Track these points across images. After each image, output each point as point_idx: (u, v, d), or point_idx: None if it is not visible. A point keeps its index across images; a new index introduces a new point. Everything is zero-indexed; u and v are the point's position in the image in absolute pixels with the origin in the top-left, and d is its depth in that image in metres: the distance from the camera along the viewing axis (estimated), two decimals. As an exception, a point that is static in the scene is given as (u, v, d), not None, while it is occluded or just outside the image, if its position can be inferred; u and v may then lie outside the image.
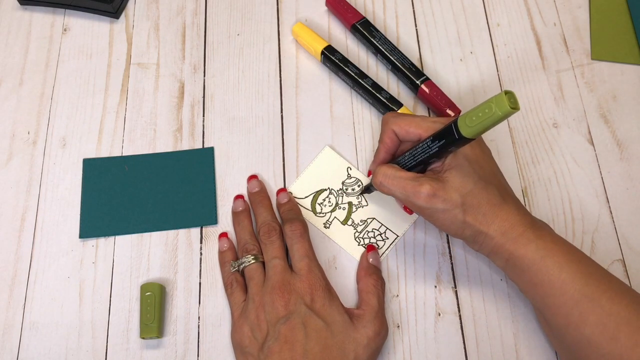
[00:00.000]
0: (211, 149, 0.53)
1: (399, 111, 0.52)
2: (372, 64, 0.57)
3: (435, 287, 0.48)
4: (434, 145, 0.40)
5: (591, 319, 0.38)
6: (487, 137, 0.52)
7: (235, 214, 0.50)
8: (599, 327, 0.37)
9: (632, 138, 0.53)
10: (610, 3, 0.59)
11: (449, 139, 0.38)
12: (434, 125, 0.42)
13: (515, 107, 0.33)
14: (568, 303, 0.38)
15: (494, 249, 0.41)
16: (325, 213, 0.50)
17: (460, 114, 0.38)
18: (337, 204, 0.51)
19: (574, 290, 0.38)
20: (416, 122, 0.43)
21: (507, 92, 0.33)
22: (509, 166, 0.52)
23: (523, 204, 0.43)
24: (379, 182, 0.43)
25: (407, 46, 0.57)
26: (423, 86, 0.53)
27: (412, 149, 0.42)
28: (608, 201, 0.50)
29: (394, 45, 0.55)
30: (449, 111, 0.52)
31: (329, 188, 0.51)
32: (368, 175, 0.51)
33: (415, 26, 0.58)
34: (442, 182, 0.40)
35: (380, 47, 0.55)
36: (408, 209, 0.48)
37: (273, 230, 0.47)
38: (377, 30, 0.56)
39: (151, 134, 0.54)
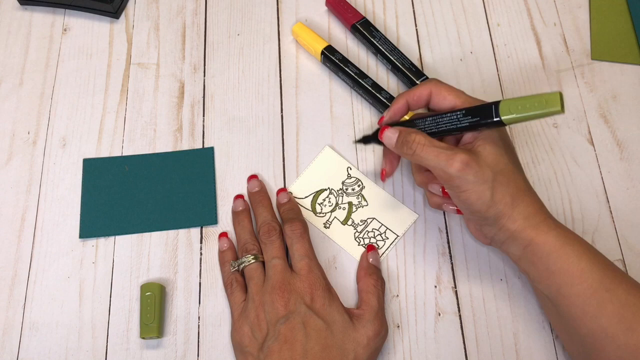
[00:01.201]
0: (211, 149, 0.53)
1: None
2: (372, 64, 0.57)
3: (435, 287, 0.48)
4: (465, 119, 0.40)
5: (608, 309, 0.38)
6: (487, 137, 0.52)
7: (235, 214, 0.50)
8: (616, 318, 0.37)
9: (632, 138, 0.53)
10: (610, 3, 0.59)
11: (484, 118, 0.39)
12: (472, 100, 0.42)
13: (563, 110, 0.35)
14: (586, 292, 0.38)
15: (514, 234, 0.41)
16: (325, 213, 0.50)
17: (504, 99, 0.38)
18: (337, 204, 0.51)
19: (592, 279, 0.38)
20: (457, 92, 0.43)
21: (560, 93, 0.35)
22: (509, 166, 0.52)
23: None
24: (412, 151, 0.42)
25: (407, 46, 0.57)
26: (423, 86, 0.53)
27: (437, 116, 0.42)
28: (608, 201, 0.50)
29: (394, 45, 0.55)
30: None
31: (329, 188, 0.51)
32: (379, 122, 0.48)
33: (415, 26, 0.58)
34: (476, 155, 0.40)
35: (380, 47, 0.55)
36: (436, 197, 0.46)
37: (273, 230, 0.47)
38: (377, 30, 0.56)
39: (151, 134, 0.54)
